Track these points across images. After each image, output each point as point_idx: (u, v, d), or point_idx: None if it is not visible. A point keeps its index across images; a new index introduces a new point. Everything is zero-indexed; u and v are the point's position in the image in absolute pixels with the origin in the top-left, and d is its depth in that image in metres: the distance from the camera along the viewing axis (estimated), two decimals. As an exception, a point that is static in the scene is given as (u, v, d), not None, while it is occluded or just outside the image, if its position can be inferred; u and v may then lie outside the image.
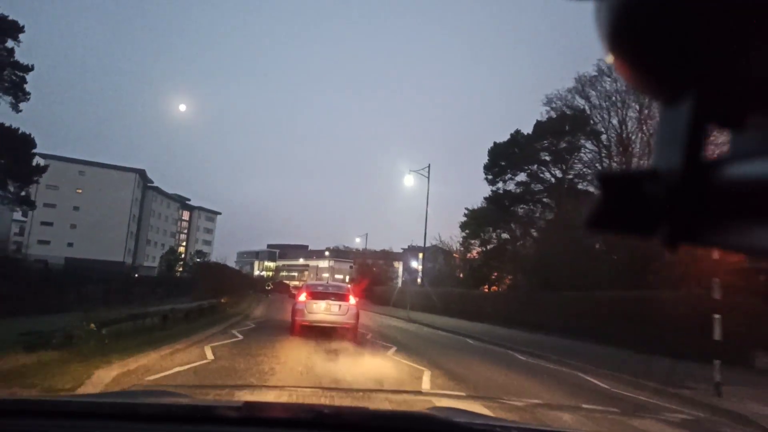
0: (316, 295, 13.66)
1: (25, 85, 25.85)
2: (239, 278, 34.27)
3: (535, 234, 33.20)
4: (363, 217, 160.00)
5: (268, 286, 63.66)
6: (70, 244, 71.82)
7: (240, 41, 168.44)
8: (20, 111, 25.89)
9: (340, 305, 13.45)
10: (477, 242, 40.09)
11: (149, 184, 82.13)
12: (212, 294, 20.77)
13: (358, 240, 71.05)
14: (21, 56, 25.67)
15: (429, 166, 37.84)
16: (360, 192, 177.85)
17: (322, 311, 13.33)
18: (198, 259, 64.16)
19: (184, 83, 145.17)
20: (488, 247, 38.26)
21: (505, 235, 37.20)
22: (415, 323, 23.88)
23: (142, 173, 78.39)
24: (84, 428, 1.58)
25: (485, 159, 36.43)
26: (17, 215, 73.67)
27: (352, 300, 13.89)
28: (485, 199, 37.06)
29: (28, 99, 26.02)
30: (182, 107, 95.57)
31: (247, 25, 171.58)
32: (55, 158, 71.68)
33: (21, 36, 25.10)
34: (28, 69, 25.82)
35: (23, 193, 27.10)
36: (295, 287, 41.27)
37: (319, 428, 1.64)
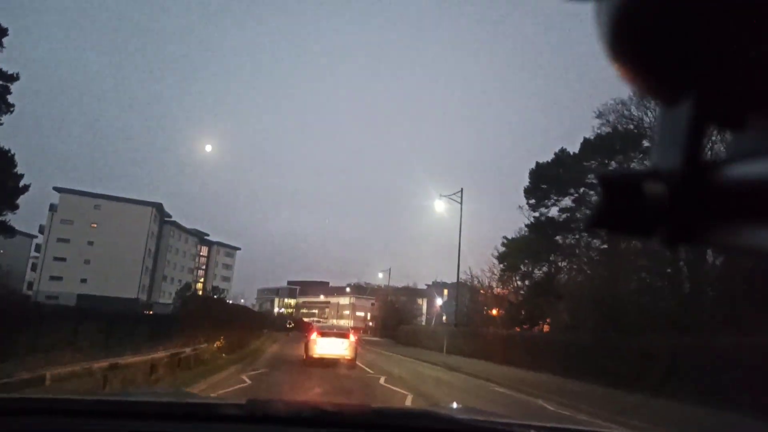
0: (324, 333, 16.97)
1: (8, 96, 22.87)
2: (246, 315, 29.61)
3: (585, 267, 28.67)
4: (386, 252, 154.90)
5: (290, 324, 59.87)
6: (83, 281, 69.45)
7: (262, 74, 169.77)
8: (1, 124, 22.80)
9: (342, 342, 16.53)
10: (517, 276, 35.59)
11: (166, 219, 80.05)
12: (204, 337, 16.51)
13: (380, 275, 66.64)
14: (5, 64, 22.86)
15: (462, 191, 34.21)
16: (383, 226, 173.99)
17: (329, 346, 16.31)
18: (214, 295, 60.15)
19: (204, 117, 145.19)
20: (527, 281, 33.90)
21: (545, 269, 32.84)
22: (458, 372, 19.12)
23: (159, 207, 76.40)
24: (89, 426, 1.55)
25: (521, 186, 32.95)
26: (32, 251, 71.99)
27: (352, 338, 17.14)
28: (527, 226, 33.16)
29: (12, 111, 23.02)
30: (208, 147, 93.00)
31: (270, 57, 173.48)
32: (70, 192, 70.09)
33: (5, 41, 22.37)
34: (13, 78, 22.88)
35: (2, 218, 23.71)
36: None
37: (321, 426, 1.63)
